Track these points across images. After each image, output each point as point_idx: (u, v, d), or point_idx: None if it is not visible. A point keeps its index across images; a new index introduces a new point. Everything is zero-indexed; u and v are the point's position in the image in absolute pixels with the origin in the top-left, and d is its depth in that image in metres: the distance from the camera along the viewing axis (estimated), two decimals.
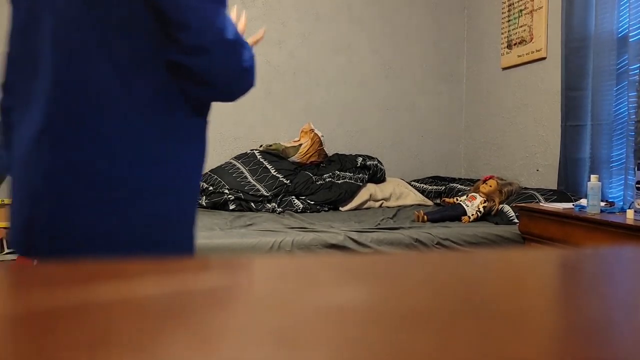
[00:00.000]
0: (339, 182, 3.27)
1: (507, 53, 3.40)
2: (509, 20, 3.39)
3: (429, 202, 3.44)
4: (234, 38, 0.80)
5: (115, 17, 0.77)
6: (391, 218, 2.86)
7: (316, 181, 3.27)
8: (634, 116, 2.39)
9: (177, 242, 0.86)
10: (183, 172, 0.85)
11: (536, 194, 2.74)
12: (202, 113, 0.87)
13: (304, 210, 3.07)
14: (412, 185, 3.56)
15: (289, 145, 3.40)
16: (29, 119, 0.82)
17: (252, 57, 0.85)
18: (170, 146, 0.82)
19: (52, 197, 0.78)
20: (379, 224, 2.65)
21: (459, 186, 3.39)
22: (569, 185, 2.77)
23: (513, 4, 3.35)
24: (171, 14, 0.75)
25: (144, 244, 0.81)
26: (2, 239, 2.67)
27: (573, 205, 2.28)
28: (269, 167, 3.29)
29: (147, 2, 0.75)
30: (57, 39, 0.78)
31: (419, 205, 3.36)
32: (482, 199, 2.83)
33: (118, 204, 0.79)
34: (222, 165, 3.33)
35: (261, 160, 3.32)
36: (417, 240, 2.35)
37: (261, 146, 3.45)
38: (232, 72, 0.82)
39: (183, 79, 0.81)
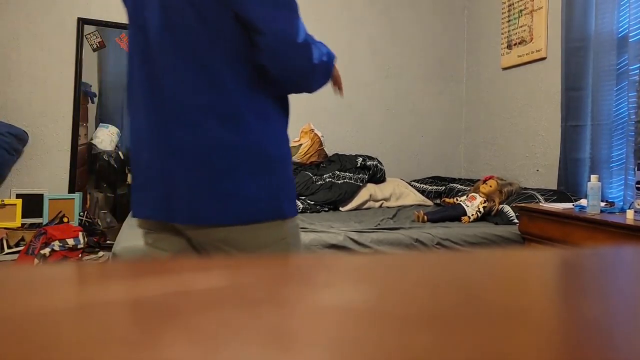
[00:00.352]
0: (339, 182, 3.27)
1: (507, 53, 3.41)
2: (509, 21, 3.39)
3: (429, 202, 3.44)
4: (303, 41, 0.94)
5: (220, 23, 0.91)
6: (391, 218, 2.86)
7: (316, 181, 3.27)
8: (634, 116, 2.39)
9: (293, 202, 1.01)
10: (284, 145, 1.00)
11: (536, 194, 2.73)
12: (284, 97, 1.03)
13: (304, 211, 3.07)
14: (412, 186, 3.56)
15: None
16: (144, 109, 0.96)
17: (323, 54, 1.00)
18: (275, 120, 0.98)
19: (197, 169, 0.91)
20: (379, 224, 2.65)
21: (459, 186, 3.39)
22: (569, 186, 2.77)
23: (513, 4, 3.35)
24: (251, 22, 0.90)
25: (274, 206, 0.95)
26: (1, 239, 2.67)
27: (573, 205, 2.28)
28: None
29: (235, 13, 0.91)
30: (176, 41, 0.92)
31: (419, 205, 3.36)
32: (482, 199, 2.83)
33: (256, 171, 0.93)
34: None
35: None
36: (417, 240, 2.35)
37: None
38: (300, 71, 0.96)
39: (264, 75, 0.95)
